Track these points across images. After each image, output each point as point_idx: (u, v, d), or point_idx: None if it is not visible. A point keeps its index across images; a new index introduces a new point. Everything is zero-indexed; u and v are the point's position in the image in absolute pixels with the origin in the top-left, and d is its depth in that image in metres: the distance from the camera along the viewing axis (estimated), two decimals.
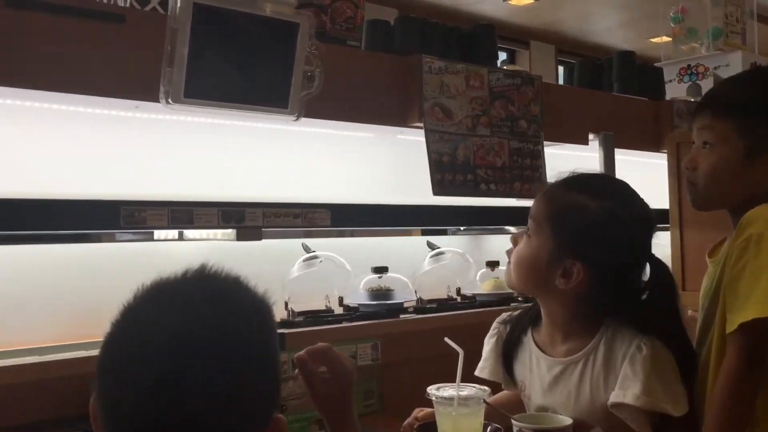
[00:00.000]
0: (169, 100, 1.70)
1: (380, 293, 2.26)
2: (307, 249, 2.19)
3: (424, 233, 2.54)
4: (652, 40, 8.17)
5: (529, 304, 1.58)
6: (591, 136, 2.78)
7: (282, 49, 1.84)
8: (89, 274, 1.91)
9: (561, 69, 8.88)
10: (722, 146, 1.40)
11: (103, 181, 1.92)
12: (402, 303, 2.28)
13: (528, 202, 2.45)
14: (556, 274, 1.37)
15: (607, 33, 8.78)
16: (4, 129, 1.78)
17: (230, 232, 1.82)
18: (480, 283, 2.57)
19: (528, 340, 1.52)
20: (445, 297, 2.54)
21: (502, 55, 8.10)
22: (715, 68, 3.83)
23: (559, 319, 1.44)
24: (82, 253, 1.91)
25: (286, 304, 2.11)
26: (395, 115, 2.29)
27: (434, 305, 2.42)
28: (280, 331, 0.91)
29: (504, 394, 1.62)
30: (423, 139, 2.28)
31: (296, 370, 1.02)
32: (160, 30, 1.71)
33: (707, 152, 1.42)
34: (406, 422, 1.56)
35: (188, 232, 1.91)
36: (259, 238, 1.84)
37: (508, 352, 1.55)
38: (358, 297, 2.26)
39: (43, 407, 1.52)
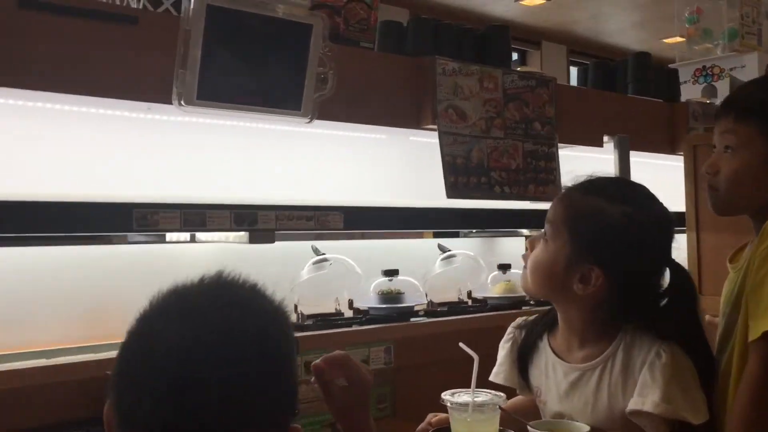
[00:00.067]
0: (182, 102, 1.69)
1: (391, 296, 2.24)
2: (316, 251, 2.18)
3: (436, 236, 2.53)
4: (664, 40, 8.13)
5: (544, 308, 1.56)
6: (606, 138, 2.76)
7: (295, 51, 1.82)
8: (100, 275, 1.91)
9: (572, 69, 8.84)
10: (744, 150, 1.37)
11: (114, 183, 1.92)
12: (413, 306, 2.26)
13: (542, 205, 2.46)
14: (574, 279, 1.36)
15: (619, 33, 8.74)
16: (16, 130, 1.78)
17: (243, 234, 1.81)
18: (491, 286, 2.55)
19: (544, 346, 1.50)
20: (456, 300, 2.52)
21: (513, 56, 8.06)
22: (731, 69, 3.79)
23: (576, 325, 1.42)
24: (93, 254, 1.90)
25: (296, 307, 2.09)
26: (409, 117, 2.27)
27: (445, 308, 2.40)
28: None
29: (519, 399, 1.61)
30: (435, 141, 2.26)
31: (312, 378, 1.00)
32: (172, 32, 1.70)
33: (729, 156, 1.40)
34: (419, 427, 1.54)
35: (200, 235, 1.90)
36: (271, 241, 1.83)
37: (523, 358, 1.53)
38: (368, 300, 2.24)
39: (50, 410, 1.51)
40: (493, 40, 2.53)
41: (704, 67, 3.90)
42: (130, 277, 1.93)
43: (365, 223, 2.13)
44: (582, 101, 2.79)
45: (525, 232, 2.73)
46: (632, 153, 2.79)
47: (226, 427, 0.74)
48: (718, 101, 3.27)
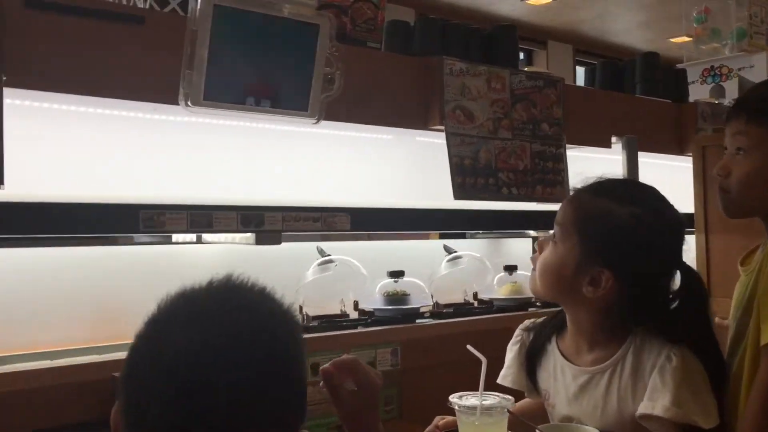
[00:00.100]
0: (189, 103, 1.68)
1: (396, 298, 2.23)
2: (322, 252, 2.17)
3: (442, 236, 2.51)
4: (671, 40, 8.10)
5: (551, 310, 1.55)
6: (614, 139, 2.74)
7: (302, 51, 1.81)
8: (106, 276, 1.90)
9: (579, 69, 8.82)
10: (756, 152, 1.36)
11: (120, 184, 1.91)
12: (418, 308, 2.25)
13: (549, 206, 2.45)
14: (584, 281, 1.34)
15: (625, 33, 8.71)
16: (21, 130, 1.77)
17: (249, 236, 1.80)
18: (497, 288, 2.53)
19: (552, 348, 1.49)
20: (462, 301, 2.51)
21: (519, 56, 8.04)
22: (739, 69, 3.77)
23: (585, 328, 1.41)
24: (99, 255, 1.90)
25: (301, 308, 2.08)
26: (416, 118, 2.26)
27: (451, 310, 2.38)
28: None
29: (526, 402, 1.59)
30: (442, 141, 2.25)
31: (321, 382, 0.99)
32: (179, 32, 1.70)
33: (741, 158, 1.38)
34: (427, 430, 1.53)
35: (206, 236, 1.90)
36: (278, 242, 1.83)
37: (531, 360, 1.52)
38: (373, 301, 2.23)
39: (56, 412, 1.50)
40: (500, 40, 2.52)
41: (712, 67, 3.88)
42: (136, 278, 1.93)
43: (372, 224, 2.12)
44: (590, 102, 2.78)
45: (532, 233, 2.72)
46: (640, 154, 2.77)
47: (235, 430, 0.73)
48: (726, 101, 3.25)
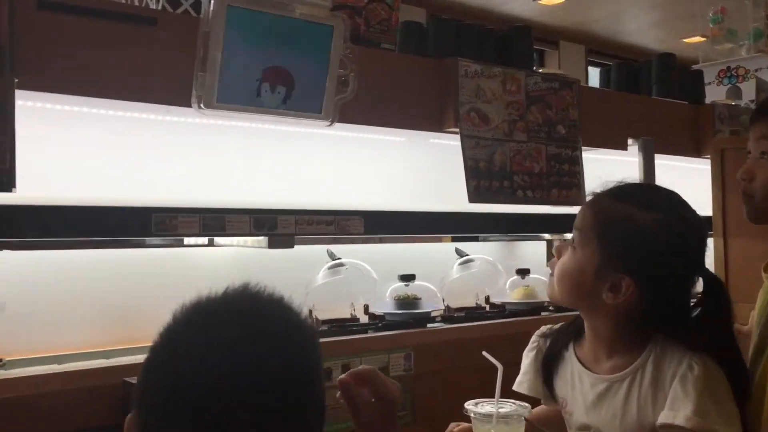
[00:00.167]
0: (202, 105, 1.67)
1: (407, 302, 2.20)
2: (332, 256, 2.15)
3: (454, 239, 2.49)
4: (684, 40, 8.04)
5: (563, 314, 1.53)
6: (630, 141, 2.71)
7: (316, 53, 1.80)
8: (115, 279, 1.89)
9: (591, 69, 8.77)
10: None
11: (132, 185, 1.90)
12: (430, 312, 2.22)
13: (564, 209, 2.42)
14: (603, 288, 1.32)
15: (638, 33, 8.65)
16: (32, 132, 1.76)
17: (262, 239, 1.78)
18: (510, 292, 2.50)
19: (570, 355, 1.46)
20: (473, 305, 2.48)
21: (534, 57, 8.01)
22: (756, 70, 3.73)
23: (604, 335, 1.38)
24: (109, 257, 1.89)
25: (311, 312, 2.07)
26: (430, 120, 2.24)
27: (462, 314, 2.36)
28: None
29: (542, 409, 1.57)
30: (454, 143, 2.23)
31: (338, 393, 0.97)
32: (192, 33, 1.68)
33: (765, 162, 1.35)
34: None
35: (218, 239, 1.88)
36: (291, 245, 1.81)
37: (548, 367, 1.50)
38: (384, 305, 2.20)
39: (65, 418, 1.49)
40: (515, 41, 2.50)
41: (729, 68, 3.83)
42: (146, 281, 1.92)
43: (386, 227, 2.10)
44: (605, 103, 2.75)
45: (546, 236, 2.69)
46: (655, 156, 2.74)
47: None
48: (743, 103, 3.21)
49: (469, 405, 1.41)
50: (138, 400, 0.76)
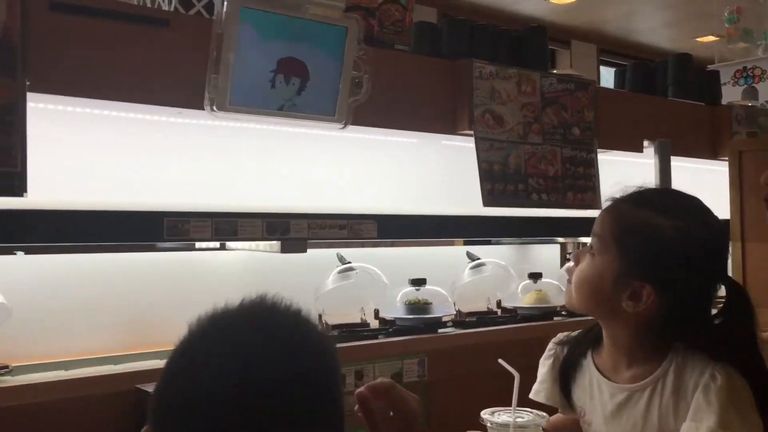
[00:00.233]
0: (214, 108, 1.65)
1: (418, 306, 2.17)
2: (342, 260, 2.12)
3: (467, 243, 2.46)
4: (697, 39, 7.98)
5: (578, 319, 1.50)
6: (646, 143, 2.67)
7: (329, 55, 1.77)
8: (125, 283, 1.88)
9: (603, 69, 8.72)
10: None
11: (143, 187, 1.89)
12: (441, 317, 2.18)
13: (580, 212, 2.39)
14: (623, 296, 1.29)
15: (650, 32, 8.59)
16: (42, 133, 1.75)
17: (274, 243, 1.76)
18: (522, 296, 2.46)
19: (588, 364, 1.44)
20: (485, 310, 2.45)
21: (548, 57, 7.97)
22: None
23: (623, 343, 1.36)
24: (118, 261, 1.87)
25: (320, 316, 2.04)
26: (444, 122, 2.21)
27: (474, 319, 2.33)
28: None
29: (559, 418, 1.54)
30: (467, 145, 2.21)
31: (356, 407, 0.95)
32: (204, 35, 1.67)
33: None
34: None
35: (230, 243, 1.86)
36: (304, 250, 1.79)
37: (565, 375, 1.47)
38: (394, 310, 2.17)
39: (74, 426, 1.47)
40: (529, 41, 2.47)
41: (745, 68, 3.79)
42: (157, 285, 1.90)
43: (399, 231, 2.07)
44: (621, 104, 2.71)
45: (560, 239, 2.66)
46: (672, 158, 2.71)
47: None
48: (759, 103, 3.17)
49: (485, 414, 1.39)
50: (154, 409, 0.76)
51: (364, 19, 1.92)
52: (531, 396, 1.50)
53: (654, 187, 1.38)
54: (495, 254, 2.50)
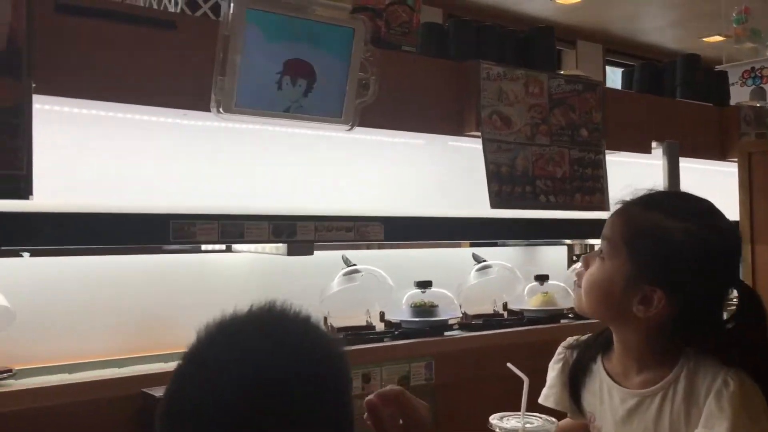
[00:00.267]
0: (221, 110, 1.64)
1: (424, 309, 2.15)
2: (347, 262, 2.11)
3: (473, 244, 2.44)
4: (703, 39, 7.95)
5: (585, 322, 1.48)
6: (654, 144, 2.65)
7: (336, 56, 1.76)
8: (131, 285, 1.87)
9: (608, 69, 8.70)
10: None
11: (149, 189, 1.88)
12: (447, 320, 2.16)
13: (587, 214, 2.37)
14: (634, 300, 1.28)
15: (656, 32, 8.57)
16: (46, 135, 1.74)
17: (281, 246, 1.75)
18: (528, 298, 2.44)
19: (598, 369, 1.42)
20: (491, 312, 2.43)
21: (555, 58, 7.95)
22: None
23: (634, 348, 1.34)
24: (124, 263, 1.86)
25: (325, 319, 2.03)
26: (451, 124, 2.20)
27: (480, 321, 2.31)
28: None
29: (568, 422, 1.53)
30: (473, 146, 2.19)
31: (365, 414, 0.94)
32: (210, 36, 1.66)
33: None
34: None
35: (237, 245, 1.85)
36: (310, 252, 1.78)
37: (575, 380, 1.46)
38: (400, 313, 2.15)
39: (80, 430, 1.46)
40: (536, 42, 2.45)
41: (753, 68, 3.76)
42: (162, 287, 1.90)
43: (406, 233, 2.06)
44: (629, 105, 2.69)
45: (567, 240, 2.64)
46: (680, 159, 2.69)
47: None
48: (767, 104, 3.14)
49: (493, 419, 1.38)
50: (163, 415, 0.75)
51: (371, 20, 1.91)
52: (540, 401, 1.49)
53: (664, 189, 1.36)
54: (501, 256, 2.49)
